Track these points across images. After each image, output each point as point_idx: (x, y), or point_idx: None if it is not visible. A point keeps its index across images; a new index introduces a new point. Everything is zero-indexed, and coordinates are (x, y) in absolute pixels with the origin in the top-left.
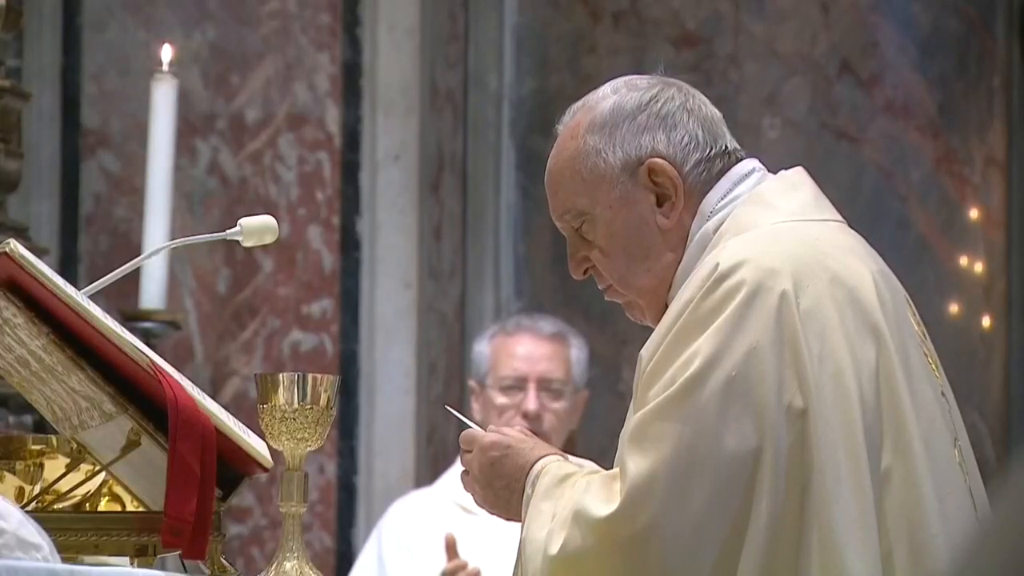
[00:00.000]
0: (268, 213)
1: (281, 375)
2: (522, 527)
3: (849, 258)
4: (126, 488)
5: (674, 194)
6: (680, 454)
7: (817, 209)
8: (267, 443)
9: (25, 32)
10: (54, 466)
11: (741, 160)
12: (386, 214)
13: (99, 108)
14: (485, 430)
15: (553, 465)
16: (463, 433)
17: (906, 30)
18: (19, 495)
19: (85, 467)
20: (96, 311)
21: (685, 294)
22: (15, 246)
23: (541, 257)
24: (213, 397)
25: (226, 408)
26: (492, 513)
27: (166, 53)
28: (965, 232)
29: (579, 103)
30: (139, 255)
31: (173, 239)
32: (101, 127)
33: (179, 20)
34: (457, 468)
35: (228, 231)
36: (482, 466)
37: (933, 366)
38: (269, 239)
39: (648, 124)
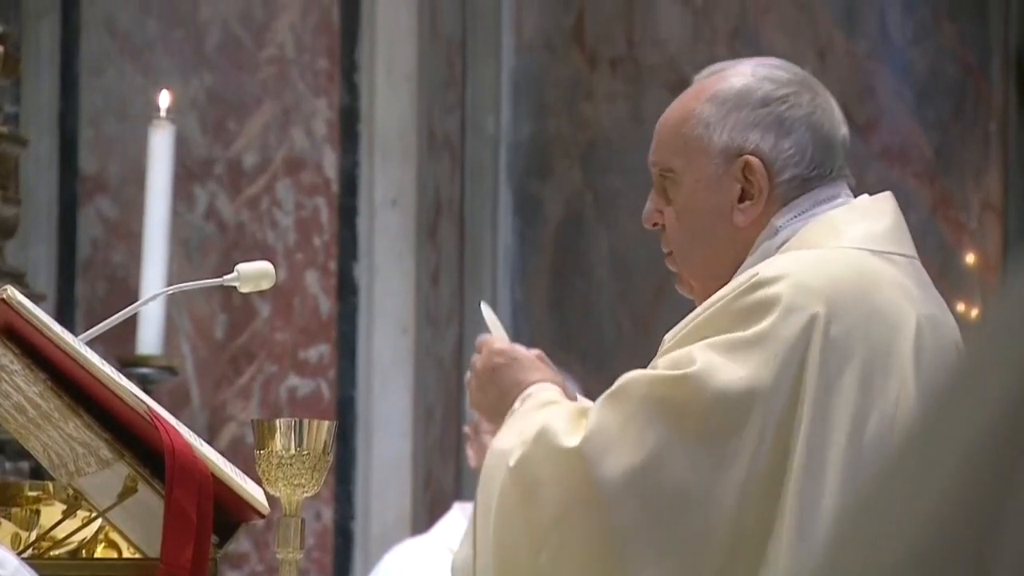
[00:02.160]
0: (265, 258)
1: (278, 421)
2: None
3: (897, 296)
4: (122, 535)
5: (757, 197)
6: (643, 430)
7: (885, 241)
8: (264, 489)
9: (23, 77)
10: (50, 512)
11: (835, 183)
12: (383, 259)
13: (97, 153)
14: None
15: (544, 393)
16: (479, 338)
17: (903, 76)
18: (15, 541)
19: (81, 513)
20: (93, 357)
21: (721, 291)
22: (12, 292)
23: (538, 301)
24: (210, 443)
25: (223, 454)
26: (481, 415)
27: (164, 98)
28: (962, 277)
29: (720, 66)
30: (136, 300)
31: (170, 285)
32: (99, 172)
33: (177, 66)
34: (451, 515)
35: (225, 277)
36: (484, 368)
37: None
38: (266, 285)
39: (764, 121)
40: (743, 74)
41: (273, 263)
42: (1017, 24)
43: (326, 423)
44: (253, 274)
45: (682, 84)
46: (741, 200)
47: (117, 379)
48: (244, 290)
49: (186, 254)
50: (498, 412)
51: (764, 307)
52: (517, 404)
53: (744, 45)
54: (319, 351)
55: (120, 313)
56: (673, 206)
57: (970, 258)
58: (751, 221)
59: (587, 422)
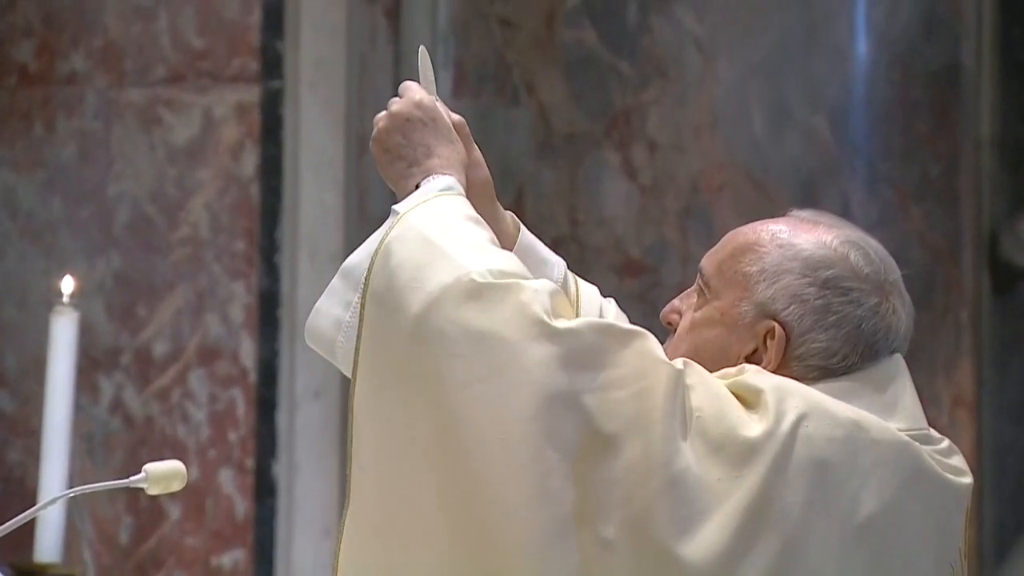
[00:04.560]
0: (176, 456)
1: None
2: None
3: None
4: None
5: (766, 365)
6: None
7: (887, 411)
8: None
9: None
10: None
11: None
12: (305, 456)
13: None
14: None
15: (453, 198)
16: (404, 83)
17: None
18: None
19: None
20: None
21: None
22: None
23: None
24: None
25: None
26: (376, 159)
27: (67, 283)
28: None
29: (820, 217)
30: (35, 503)
31: (72, 486)
32: None
33: (82, 248)
34: None
35: (132, 478)
36: (398, 114)
37: None
38: (177, 486)
39: (813, 302)
40: (827, 243)
41: (184, 461)
42: (990, 204)
43: None
44: (163, 474)
45: (629, 266)
46: (751, 357)
47: None
48: (153, 492)
49: (89, 451)
50: (390, 168)
51: (739, 383)
52: (422, 182)
53: (696, 224)
54: (233, 557)
55: (17, 518)
56: (693, 314)
57: None
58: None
59: (572, 322)
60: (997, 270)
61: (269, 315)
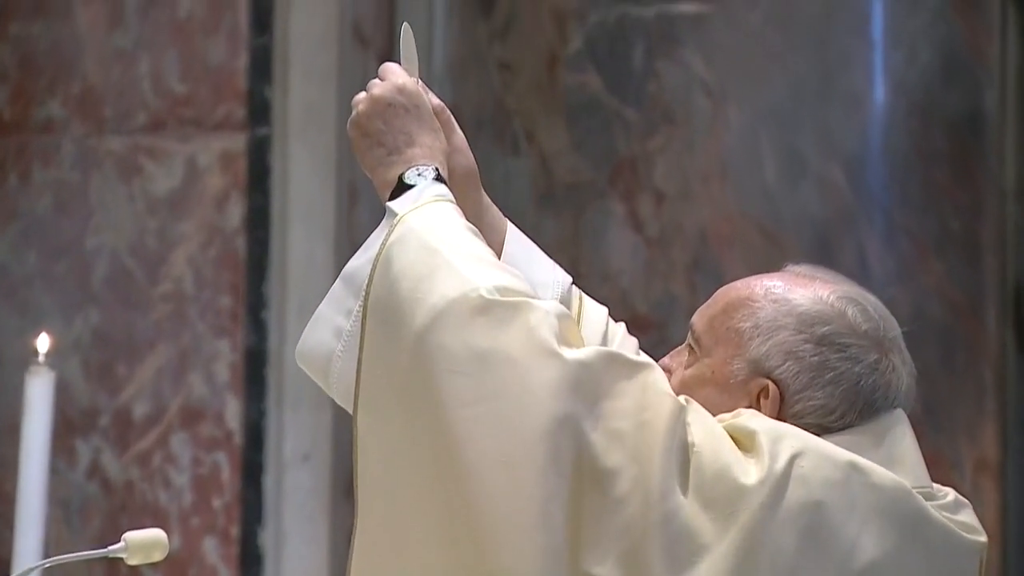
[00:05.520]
0: (157, 524)
1: None
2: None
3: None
4: None
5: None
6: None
7: (886, 465)
8: None
9: None
10: None
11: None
12: (293, 523)
13: None
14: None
15: (448, 205)
16: (386, 64)
17: None
18: None
19: None
20: None
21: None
22: None
23: None
24: None
25: None
26: (353, 143)
27: (43, 341)
28: None
29: (816, 272)
30: (8, 574)
31: (47, 555)
32: None
33: (58, 304)
34: None
35: (111, 547)
36: (379, 98)
37: None
38: (158, 556)
39: (809, 359)
40: (823, 298)
41: (166, 529)
42: (1015, 257)
43: None
44: (143, 543)
45: (635, 322)
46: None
47: None
48: (132, 562)
49: (66, 518)
50: (374, 159)
51: (737, 426)
52: (406, 172)
53: (705, 279)
54: None
55: None
56: (683, 373)
57: None
58: None
59: (580, 351)
60: (1022, 327)
61: (255, 374)
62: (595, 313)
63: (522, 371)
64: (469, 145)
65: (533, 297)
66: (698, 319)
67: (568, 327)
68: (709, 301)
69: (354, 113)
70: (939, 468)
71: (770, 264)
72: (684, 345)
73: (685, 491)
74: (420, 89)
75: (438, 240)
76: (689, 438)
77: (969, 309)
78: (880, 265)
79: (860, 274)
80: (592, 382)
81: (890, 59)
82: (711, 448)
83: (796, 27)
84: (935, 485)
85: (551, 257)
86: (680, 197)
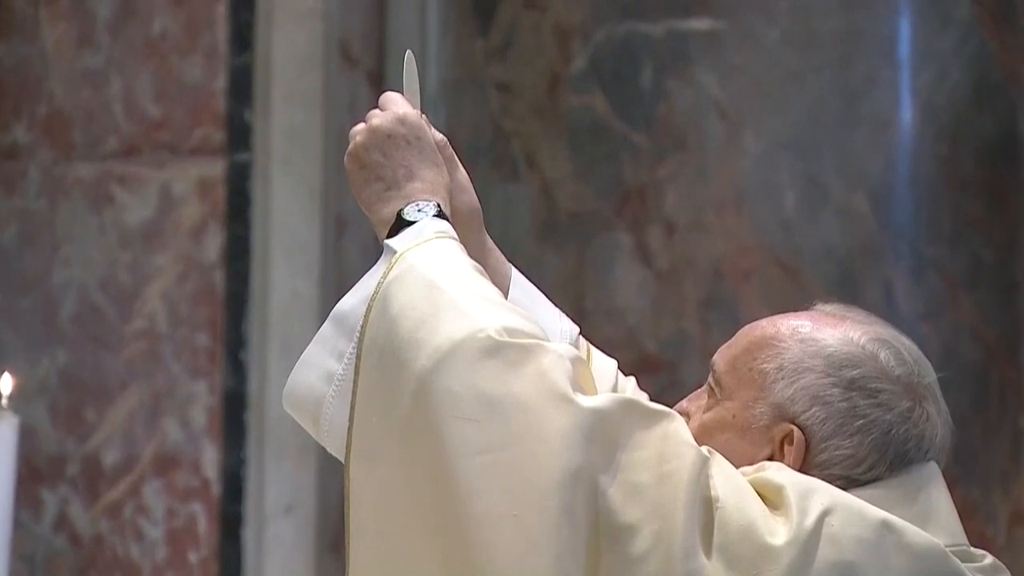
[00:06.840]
0: None
1: None
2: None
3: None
4: None
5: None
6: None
7: (919, 522)
8: None
9: None
10: None
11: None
12: None
13: None
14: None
15: (452, 243)
16: (387, 93)
17: None
18: None
19: None
20: None
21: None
22: None
23: None
24: None
25: None
26: (349, 174)
27: (6, 383)
28: None
29: (848, 312)
30: None
31: None
32: None
33: (23, 343)
34: None
35: None
36: (379, 129)
37: None
38: None
39: (837, 404)
40: (854, 340)
41: None
42: None
43: None
44: None
45: (644, 362)
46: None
47: None
48: None
49: (30, 574)
50: (372, 194)
51: (761, 482)
52: (405, 207)
53: (719, 316)
54: None
55: None
56: (702, 416)
57: None
58: None
59: (596, 398)
60: None
61: (235, 419)
62: (604, 365)
63: (534, 418)
64: (465, 170)
65: (544, 339)
66: (719, 359)
67: (582, 372)
68: (732, 340)
69: (351, 144)
70: (972, 520)
71: (788, 300)
72: (704, 387)
73: (708, 549)
74: (423, 122)
75: (441, 278)
76: (712, 492)
77: (1003, 349)
78: (907, 302)
79: (886, 311)
80: (609, 431)
81: (917, 80)
82: (736, 503)
83: (817, 45)
84: (973, 548)
85: (553, 292)
86: (692, 228)
